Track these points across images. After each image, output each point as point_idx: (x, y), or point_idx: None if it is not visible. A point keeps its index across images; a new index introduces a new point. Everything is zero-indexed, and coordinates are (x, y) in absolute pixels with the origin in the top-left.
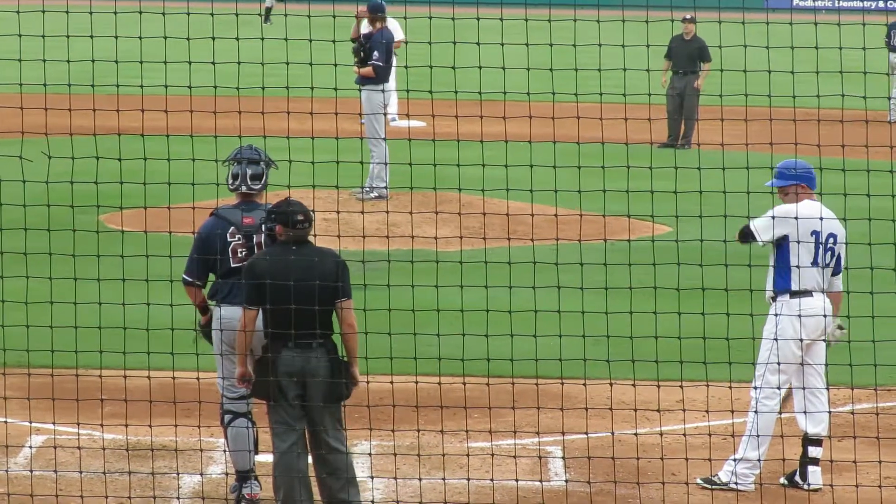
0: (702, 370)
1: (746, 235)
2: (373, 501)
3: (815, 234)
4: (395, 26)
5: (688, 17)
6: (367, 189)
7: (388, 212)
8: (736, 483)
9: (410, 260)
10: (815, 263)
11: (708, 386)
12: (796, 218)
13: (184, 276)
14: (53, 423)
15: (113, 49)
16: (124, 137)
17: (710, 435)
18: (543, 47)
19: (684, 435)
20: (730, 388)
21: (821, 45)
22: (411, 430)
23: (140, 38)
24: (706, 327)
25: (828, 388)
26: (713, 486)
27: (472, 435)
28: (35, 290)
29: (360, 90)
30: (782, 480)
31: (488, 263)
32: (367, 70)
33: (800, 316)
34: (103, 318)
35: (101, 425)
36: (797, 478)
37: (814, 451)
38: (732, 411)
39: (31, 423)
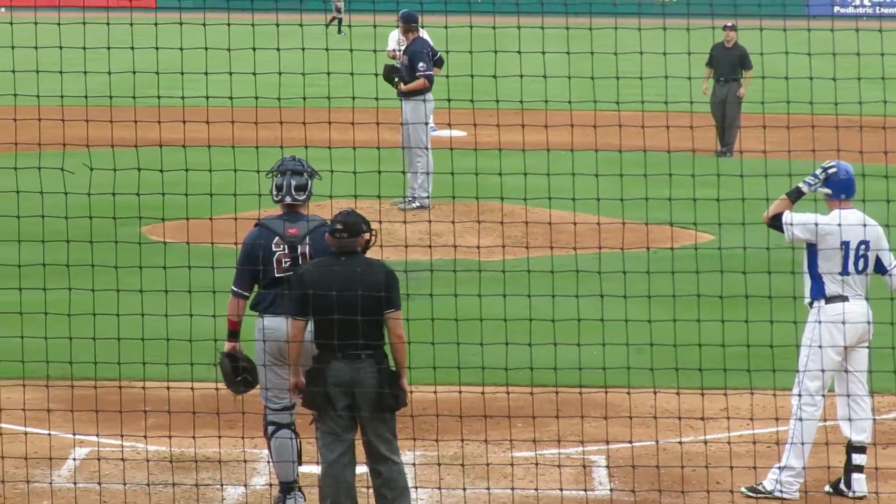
0: (746, 378)
1: (778, 222)
2: None
3: (845, 244)
4: (426, 36)
5: (728, 24)
6: (409, 199)
7: (430, 221)
8: (781, 491)
9: (453, 269)
10: (845, 272)
11: (752, 394)
12: (816, 224)
13: (232, 287)
14: (97, 435)
15: (154, 61)
16: (166, 149)
17: (754, 443)
18: (584, 55)
19: (729, 443)
20: (774, 395)
21: (862, 52)
22: (455, 439)
23: (181, 49)
24: (750, 335)
25: (871, 395)
26: (758, 495)
27: (516, 444)
28: (78, 301)
29: (401, 101)
30: (827, 488)
31: (531, 273)
32: (419, 83)
33: (837, 322)
34: (146, 330)
35: (145, 437)
36: (842, 485)
37: (858, 459)
38: (777, 419)
39: (74, 435)
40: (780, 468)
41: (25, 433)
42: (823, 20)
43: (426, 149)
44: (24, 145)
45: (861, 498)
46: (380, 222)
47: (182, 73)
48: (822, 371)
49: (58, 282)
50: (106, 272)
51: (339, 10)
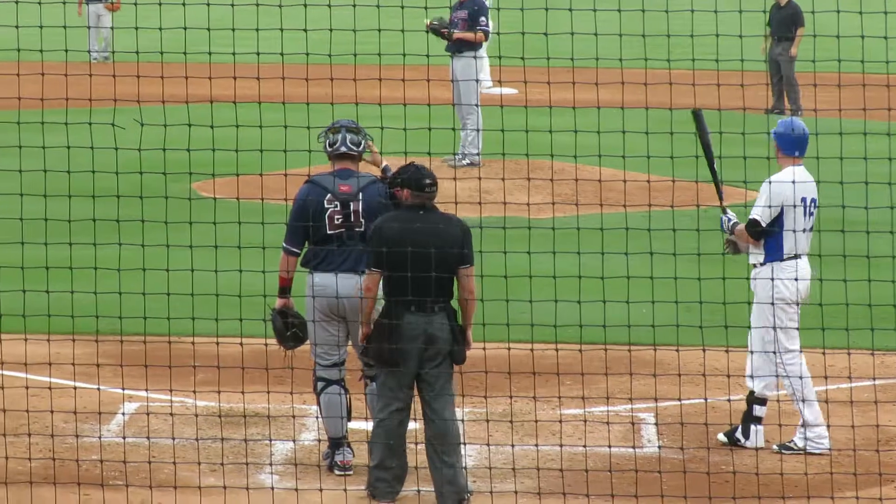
0: None
1: (759, 233)
2: (466, 468)
3: (803, 199)
4: None
5: None
6: (460, 156)
7: (480, 178)
8: (812, 447)
9: (503, 227)
10: (803, 229)
11: (802, 352)
12: (793, 182)
13: (283, 243)
14: (146, 391)
15: (205, 17)
16: (216, 105)
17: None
18: (636, 13)
19: (778, 401)
20: (823, 354)
21: None
22: (504, 396)
23: (232, 5)
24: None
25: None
26: (790, 452)
27: (565, 402)
28: (128, 257)
29: (451, 57)
30: (721, 437)
31: (581, 230)
32: (474, 35)
33: (793, 279)
34: (196, 286)
35: (194, 392)
36: (738, 434)
37: (758, 411)
38: (826, 377)
39: (123, 390)
40: (804, 425)
41: (75, 388)
42: None
43: (476, 106)
44: (74, 101)
45: (757, 449)
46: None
47: (233, 30)
48: (793, 328)
49: (108, 237)
50: (156, 228)
51: None
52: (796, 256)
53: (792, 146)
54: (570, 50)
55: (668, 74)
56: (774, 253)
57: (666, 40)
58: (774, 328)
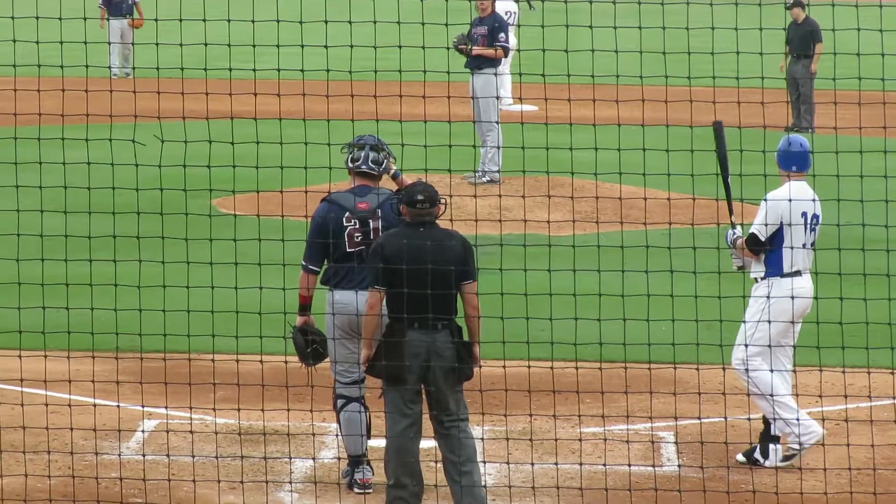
0: (815, 355)
1: (758, 243)
2: (485, 486)
3: (804, 215)
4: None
5: (789, 2)
6: (480, 173)
7: (500, 195)
8: (804, 443)
9: (523, 244)
10: (804, 245)
11: (821, 371)
12: (789, 200)
13: (303, 261)
14: (166, 408)
15: (226, 33)
16: (237, 121)
17: (823, 420)
18: (656, 30)
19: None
20: (843, 372)
21: None
22: (523, 414)
23: (253, 21)
24: (819, 312)
25: (794, 370)
26: (796, 455)
27: (585, 420)
28: (148, 274)
29: (471, 73)
30: (740, 457)
31: (601, 248)
32: (493, 51)
33: (789, 297)
34: (216, 303)
35: (214, 410)
36: (757, 454)
37: (776, 430)
38: (846, 396)
39: (143, 407)
40: (789, 428)
41: (94, 405)
42: None
43: (496, 123)
44: (95, 116)
45: (777, 468)
46: (450, 196)
47: (254, 46)
48: (770, 347)
49: (128, 254)
50: (176, 244)
51: None
52: (797, 273)
53: (788, 161)
54: (591, 67)
55: (689, 92)
56: (775, 269)
57: (686, 57)
58: (770, 346)
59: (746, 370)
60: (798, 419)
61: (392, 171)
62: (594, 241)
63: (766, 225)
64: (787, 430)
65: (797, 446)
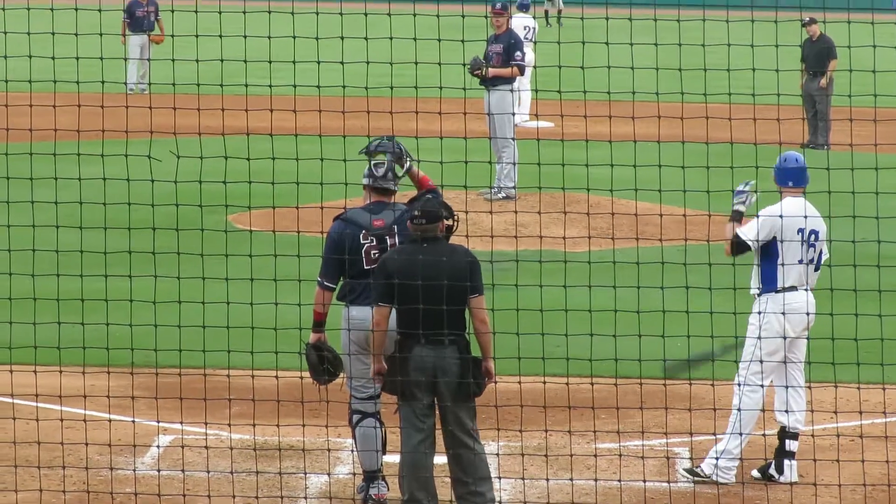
0: (830, 371)
1: (739, 245)
2: (500, 502)
3: (801, 231)
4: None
5: (805, 19)
6: (496, 189)
7: (516, 212)
8: (718, 476)
9: (539, 260)
10: (800, 261)
11: (836, 387)
12: (781, 216)
13: (319, 278)
14: (181, 423)
15: (242, 49)
16: (253, 137)
17: (838, 436)
18: (672, 47)
19: (812, 436)
20: (858, 389)
21: None
22: (539, 430)
23: (269, 37)
24: (834, 328)
25: (809, 386)
26: (696, 479)
27: (600, 436)
28: (163, 289)
29: (486, 90)
30: (755, 473)
31: (616, 264)
32: (509, 70)
33: (784, 313)
34: (231, 318)
35: (229, 425)
36: (772, 470)
37: (791, 445)
38: (861, 412)
39: (158, 422)
40: (718, 453)
41: (110, 420)
42: None
43: (512, 139)
44: (110, 132)
45: (791, 484)
46: (466, 212)
47: (270, 62)
48: (762, 362)
49: (143, 269)
50: (192, 260)
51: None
52: (792, 288)
53: (784, 177)
54: (607, 83)
55: (705, 108)
56: (769, 285)
57: (702, 74)
58: (761, 361)
59: (738, 384)
60: (735, 456)
61: (406, 165)
62: (610, 258)
63: (757, 240)
64: (719, 454)
65: (708, 471)
